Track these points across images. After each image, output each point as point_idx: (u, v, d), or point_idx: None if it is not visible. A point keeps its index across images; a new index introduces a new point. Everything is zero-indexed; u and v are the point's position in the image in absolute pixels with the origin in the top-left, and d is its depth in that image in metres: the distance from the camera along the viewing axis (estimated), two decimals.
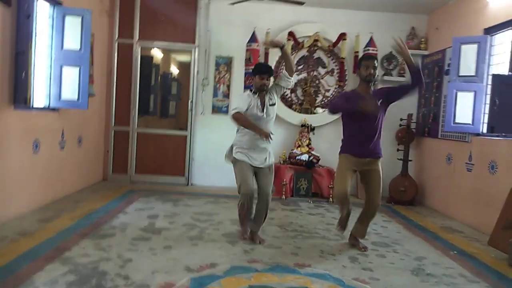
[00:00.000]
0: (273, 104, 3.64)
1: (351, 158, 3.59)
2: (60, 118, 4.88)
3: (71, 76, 4.67)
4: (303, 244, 3.75)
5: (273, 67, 3.84)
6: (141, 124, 6.57)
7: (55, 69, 4.62)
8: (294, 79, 3.72)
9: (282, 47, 3.54)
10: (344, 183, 3.53)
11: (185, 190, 6.03)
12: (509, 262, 3.51)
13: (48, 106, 4.67)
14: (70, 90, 4.69)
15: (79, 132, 5.42)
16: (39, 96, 4.55)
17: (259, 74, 3.56)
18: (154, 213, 4.51)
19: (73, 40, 4.64)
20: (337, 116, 3.97)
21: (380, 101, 3.44)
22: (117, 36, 6.30)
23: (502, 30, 4.52)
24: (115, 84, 6.35)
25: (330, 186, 5.89)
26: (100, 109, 6.14)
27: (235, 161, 3.64)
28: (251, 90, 3.66)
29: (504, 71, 4.32)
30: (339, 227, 3.85)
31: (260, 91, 3.59)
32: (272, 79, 3.72)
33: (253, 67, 3.83)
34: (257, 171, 3.65)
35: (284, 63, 3.47)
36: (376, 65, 3.48)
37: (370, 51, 5.95)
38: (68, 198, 4.95)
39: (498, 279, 3.19)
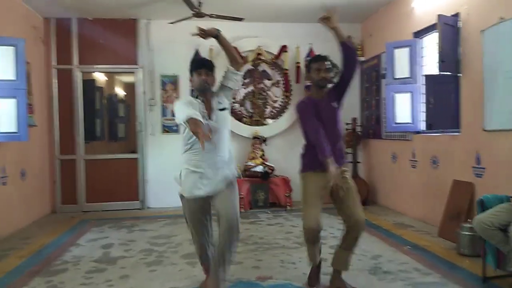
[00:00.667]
0: (224, 109, 2.81)
1: (317, 175, 2.90)
2: (0, 152, 4.62)
3: (8, 108, 4.46)
4: (264, 256, 3.77)
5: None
6: (89, 150, 6.36)
7: None
8: (241, 78, 2.91)
9: (217, 36, 2.76)
10: (315, 215, 2.86)
11: (141, 214, 5.88)
12: (458, 251, 3.71)
13: None
14: (8, 122, 4.47)
15: (22, 165, 5.15)
16: None
17: (195, 70, 2.77)
18: (109, 242, 4.36)
19: (7, 70, 4.43)
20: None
21: (336, 103, 2.97)
22: (55, 62, 6.09)
23: (429, 33, 4.84)
24: (57, 111, 6.12)
25: (286, 194, 5.97)
26: (42, 139, 5.88)
27: (182, 198, 2.85)
28: (193, 95, 2.90)
29: (435, 71, 4.61)
30: (310, 283, 3.06)
31: (203, 92, 2.77)
32: (216, 78, 2.88)
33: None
34: (214, 195, 2.80)
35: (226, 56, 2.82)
36: (329, 66, 2.97)
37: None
38: (15, 236, 4.67)
39: (449, 269, 3.37)
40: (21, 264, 3.66)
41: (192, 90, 2.78)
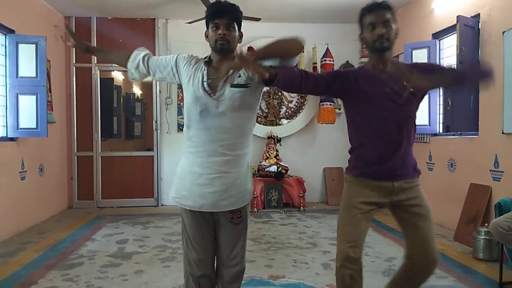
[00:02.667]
0: (243, 86, 1.85)
1: (365, 184, 2.02)
2: (19, 147, 4.72)
3: (29, 104, 4.57)
4: (277, 256, 3.77)
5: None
6: (105, 147, 6.46)
7: (11, 98, 4.50)
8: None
9: (269, 79, 1.76)
10: (355, 235, 1.99)
11: (155, 212, 5.94)
12: (474, 255, 3.65)
13: (6, 136, 4.52)
14: (28, 119, 4.58)
15: (40, 160, 5.25)
16: None
17: (211, 20, 1.88)
18: (124, 238, 4.41)
19: (28, 67, 4.56)
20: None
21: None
22: (74, 60, 6.20)
23: (448, 35, 4.78)
24: (75, 109, 6.23)
25: (300, 195, 5.95)
26: (61, 136, 5.98)
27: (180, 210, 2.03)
28: (205, 59, 1.96)
29: None
30: None
31: (221, 53, 1.88)
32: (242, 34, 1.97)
33: None
34: (216, 221, 1.97)
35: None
36: (390, 17, 1.96)
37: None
38: (32, 230, 4.77)
39: (465, 273, 3.31)
40: (37, 257, 3.73)
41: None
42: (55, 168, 5.75)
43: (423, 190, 2.09)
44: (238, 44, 1.93)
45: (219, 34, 1.84)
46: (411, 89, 1.84)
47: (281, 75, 1.83)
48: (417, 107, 2.05)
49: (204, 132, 1.87)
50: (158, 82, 6.36)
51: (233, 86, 1.85)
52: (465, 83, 2.03)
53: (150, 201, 6.35)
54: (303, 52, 1.59)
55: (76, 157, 6.24)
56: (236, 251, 1.99)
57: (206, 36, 1.94)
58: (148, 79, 2.04)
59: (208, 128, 1.86)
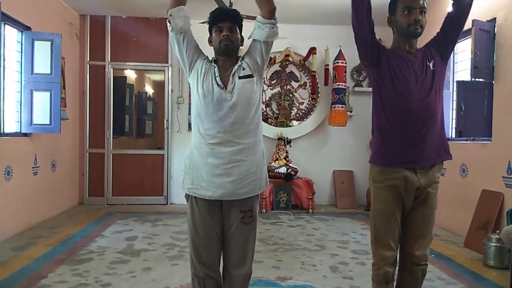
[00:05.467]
0: (248, 76, 1.98)
1: (396, 174, 2.01)
2: (32, 143, 4.79)
3: (42, 101, 4.64)
4: (284, 257, 3.76)
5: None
6: (117, 145, 6.52)
7: (25, 94, 4.57)
8: (274, 26, 1.96)
9: None
10: (392, 236, 2.04)
11: (164, 210, 5.98)
12: (484, 262, 3.61)
13: (20, 131, 4.59)
14: (42, 115, 4.64)
15: (53, 156, 5.32)
16: (10, 122, 4.47)
17: (215, 24, 2.00)
18: (133, 235, 4.45)
19: (43, 64, 4.62)
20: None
21: (432, 63, 2.04)
22: (88, 58, 6.27)
23: (463, 39, 4.72)
24: (88, 106, 6.30)
25: (309, 197, 5.93)
26: (73, 132, 6.06)
27: (187, 198, 2.04)
28: (211, 60, 2.06)
29: (467, 77, 4.49)
30: None
31: (225, 54, 2.00)
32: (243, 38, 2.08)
33: None
34: (225, 221, 2.00)
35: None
36: (425, 6, 2.00)
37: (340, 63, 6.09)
38: (43, 225, 4.83)
39: (474, 279, 3.27)
40: (48, 252, 3.78)
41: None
42: (67, 164, 5.82)
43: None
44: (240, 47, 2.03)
45: (223, 35, 1.96)
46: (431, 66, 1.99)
47: None
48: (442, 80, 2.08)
49: (218, 124, 1.93)
50: (170, 81, 6.40)
51: (240, 78, 1.97)
52: None
53: (159, 199, 6.39)
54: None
55: (88, 153, 6.30)
56: (245, 251, 2.00)
57: (210, 41, 2.05)
58: (170, 32, 2.01)
59: (222, 119, 1.93)
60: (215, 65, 2.00)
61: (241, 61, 2.02)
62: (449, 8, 2.16)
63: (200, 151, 1.97)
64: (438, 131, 2.03)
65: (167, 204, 6.37)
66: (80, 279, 3.10)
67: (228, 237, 2.00)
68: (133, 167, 6.39)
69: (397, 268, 2.14)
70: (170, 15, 1.96)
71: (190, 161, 2.02)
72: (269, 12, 1.93)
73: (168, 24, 1.98)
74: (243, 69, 1.99)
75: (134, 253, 3.78)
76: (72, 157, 6.04)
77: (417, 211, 2.06)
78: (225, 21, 1.97)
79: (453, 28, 2.09)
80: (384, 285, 2.06)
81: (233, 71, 1.98)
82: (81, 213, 5.62)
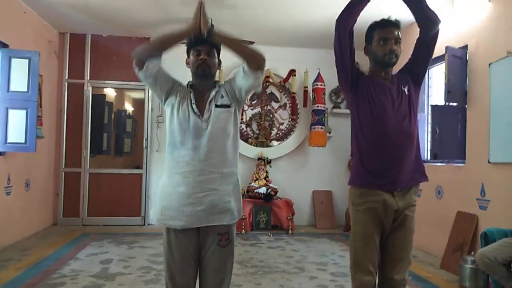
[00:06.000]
0: (226, 106, 1.97)
1: (375, 196, 2.06)
2: (6, 162, 4.66)
3: (18, 119, 4.55)
4: (264, 280, 3.72)
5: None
6: (94, 164, 6.39)
7: (0, 112, 4.46)
8: (260, 76, 1.94)
9: (210, 32, 1.88)
10: (371, 259, 2.08)
11: (141, 231, 5.86)
12: (460, 284, 3.65)
13: None
14: (17, 133, 4.55)
15: (27, 175, 5.18)
16: None
17: (192, 47, 1.99)
18: (108, 258, 4.33)
19: (20, 82, 4.54)
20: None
21: (407, 88, 2.13)
22: (67, 76, 6.19)
23: (437, 64, 4.88)
24: (65, 124, 6.19)
25: (288, 217, 5.93)
26: (49, 151, 5.93)
27: (164, 228, 2.00)
28: (187, 85, 2.05)
29: (441, 101, 4.62)
30: None
31: (202, 78, 1.98)
32: (220, 62, 2.08)
33: None
34: (202, 245, 1.97)
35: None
36: (400, 36, 2.10)
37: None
38: (15, 246, 4.67)
39: None
40: (18, 276, 3.64)
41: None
42: (41, 183, 5.67)
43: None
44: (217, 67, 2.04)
45: (201, 59, 1.95)
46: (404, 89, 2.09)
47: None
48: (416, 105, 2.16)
49: (192, 152, 1.92)
50: (150, 100, 6.36)
51: (217, 106, 1.96)
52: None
53: (136, 220, 6.27)
54: (262, 67, 1.90)
55: (63, 173, 6.16)
56: (223, 275, 1.98)
57: (187, 63, 2.04)
58: (140, 74, 1.95)
59: (197, 147, 1.92)
60: (191, 90, 1.99)
61: (219, 86, 2.01)
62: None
63: (171, 180, 1.96)
64: (414, 154, 2.10)
65: (144, 225, 6.25)
66: None
67: (205, 261, 1.96)
68: (110, 187, 6.27)
69: None
70: (142, 61, 1.91)
71: (161, 191, 2.01)
72: (257, 68, 1.90)
73: (136, 68, 1.92)
74: (222, 96, 1.98)
75: (108, 277, 3.68)
76: (47, 176, 5.89)
77: (395, 235, 2.09)
78: (203, 44, 1.95)
79: (422, 56, 2.18)
80: None
81: (210, 98, 1.97)
82: (55, 234, 5.46)
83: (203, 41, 1.95)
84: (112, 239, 5.22)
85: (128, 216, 6.25)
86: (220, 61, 2.06)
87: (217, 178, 1.92)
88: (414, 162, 2.10)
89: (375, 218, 2.05)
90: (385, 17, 2.14)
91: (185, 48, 2.06)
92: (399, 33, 2.11)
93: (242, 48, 1.92)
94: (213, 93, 1.98)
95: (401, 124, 2.04)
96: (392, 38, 2.07)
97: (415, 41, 2.23)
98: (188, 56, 2.02)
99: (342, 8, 2.07)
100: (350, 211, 2.19)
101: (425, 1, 2.08)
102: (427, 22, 2.10)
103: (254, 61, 1.89)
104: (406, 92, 2.11)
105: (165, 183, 1.98)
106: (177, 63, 2.73)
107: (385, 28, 2.09)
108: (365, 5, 2.08)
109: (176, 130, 1.95)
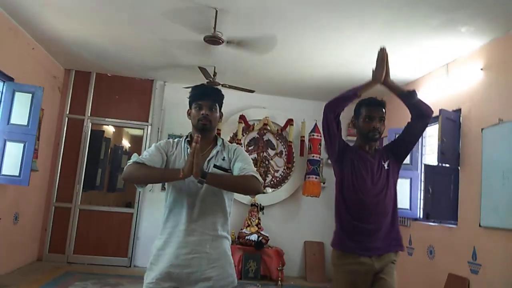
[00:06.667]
0: (224, 169, 1.94)
1: (354, 259, 2.20)
2: None
3: (15, 151, 4.56)
4: None
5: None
6: (86, 199, 6.33)
7: None
8: (245, 146, 1.86)
9: (203, 177, 1.78)
10: None
11: (127, 273, 5.71)
12: None
13: None
14: (12, 166, 4.54)
15: (16, 208, 5.12)
16: None
17: (194, 101, 2.01)
18: None
19: (21, 115, 4.59)
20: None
21: (387, 163, 2.34)
22: (68, 111, 6.27)
23: (431, 124, 4.99)
24: (61, 158, 6.19)
25: (278, 268, 5.80)
26: (41, 184, 5.88)
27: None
28: (186, 138, 2.05)
29: (435, 161, 4.69)
30: None
31: (202, 132, 1.97)
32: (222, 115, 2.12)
33: None
34: None
35: None
36: (384, 115, 2.33)
37: (374, 105, 6.29)
38: None
39: None
40: None
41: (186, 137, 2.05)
42: (30, 217, 5.58)
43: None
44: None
45: (202, 114, 1.97)
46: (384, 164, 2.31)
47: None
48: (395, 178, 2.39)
49: (186, 210, 1.90)
50: (148, 139, 6.41)
51: (216, 167, 1.94)
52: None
53: (123, 261, 6.12)
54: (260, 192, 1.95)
55: (53, 207, 6.08)
56: None
57: (189, 114, 2.06)
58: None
59: (190, 206, 1.91)
60: (188, 147, 1.95)
61: (223, 145, 2.01)
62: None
63: (163, 241, 1.94)
64: (390, 224, 2.27)
65: (130, 266, 6.10)
66: None
67: None
68: (99, 225, 6.17)
69: None
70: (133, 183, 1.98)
71: (154, 254, 1.97)
72: (253, 194, 2.03)
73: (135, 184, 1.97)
74: (223, 159, 1.97)
75: None
76: (37, 210, 5.82)
77: None
78: (205, 99, 1.98)
79: (408, 142, 2.42)
80: None
81: (210, 156, 1.96)
82: (38, 270, 5.31)
83: (205, 97, 1.99)
84: (96, 279, 5.08)
85: (115, 256, 6.11)
86: (221, 114, 2.08)
87: (207, 240, 1.89)
88: (391, 231, 2.27)
89: (353, 279, 2.19)
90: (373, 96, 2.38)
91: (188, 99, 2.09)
92: (384, 110, 2.35)
93: (236, 185, 1.90)
94: (214, 151, 1.98)
95: (378, 196, 2.24)
96: (377, 116, 2.30)
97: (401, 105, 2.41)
98: (190, 108, 2.04)
99: (333, 97, 2.30)
100: (332, 270, 2.33)
101: (418, 98, 2.33)
102: (420, 114, 2.33)
103: (248, 194, 2.10)
104: (386, 167, 2.32)
105: (158, 245, 1.96)
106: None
107: (371, 106, 2.33)
108: (353, 100, 2.30)
109: (172, 188, 1.95)
